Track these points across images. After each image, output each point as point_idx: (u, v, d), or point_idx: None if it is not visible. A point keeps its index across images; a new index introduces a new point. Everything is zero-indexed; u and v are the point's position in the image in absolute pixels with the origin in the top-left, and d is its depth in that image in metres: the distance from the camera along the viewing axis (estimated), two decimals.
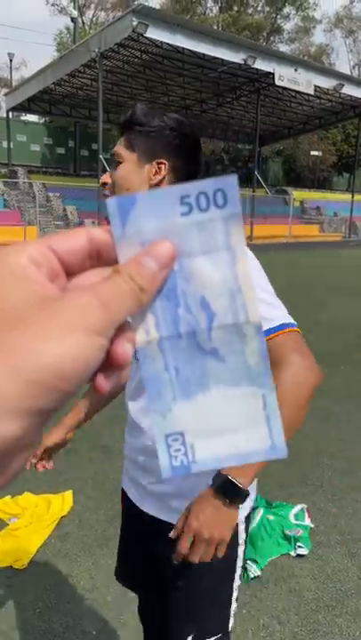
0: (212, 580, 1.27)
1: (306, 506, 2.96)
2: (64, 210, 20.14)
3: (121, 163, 1.23)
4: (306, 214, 30.71)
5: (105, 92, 18.96)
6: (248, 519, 1.33)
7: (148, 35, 16.29)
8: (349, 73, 49.86)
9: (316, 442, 3.81)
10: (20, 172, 21.74)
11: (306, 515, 2.90)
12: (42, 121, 30.29)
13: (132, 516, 1.41)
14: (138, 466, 1.36)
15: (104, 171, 18.55)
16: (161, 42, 17.42)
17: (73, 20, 27.37)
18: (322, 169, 38.97)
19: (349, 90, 22.98)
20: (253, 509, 2.90)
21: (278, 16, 43.49)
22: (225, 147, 35.85)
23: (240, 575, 1.34)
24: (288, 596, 2.33)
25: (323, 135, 37.46)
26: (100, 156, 18.72)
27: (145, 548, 1.38)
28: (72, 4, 31.37)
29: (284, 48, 45.47)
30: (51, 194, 20.46)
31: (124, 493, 1.48)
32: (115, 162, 1.24)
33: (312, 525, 2.82)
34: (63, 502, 2.96)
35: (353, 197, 29.13)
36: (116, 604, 2.23)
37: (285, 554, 2.62)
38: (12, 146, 26.17)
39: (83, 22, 33.42)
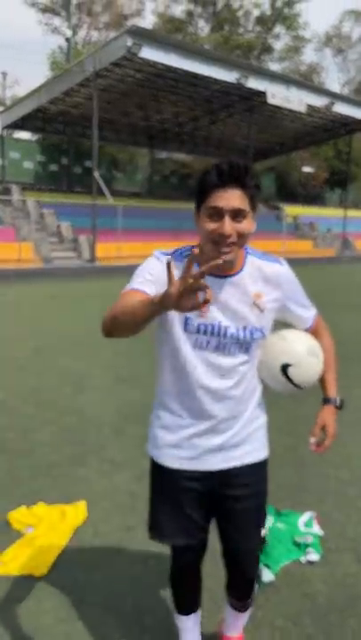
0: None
1: (315, 514, 3.04)
2: (58, 226, 20.24)
3: (244, 217, 1.47)
4: (299, 230, 31.01)
5: (99, 109, 19.19)
6: None
7: (142, 55, 16.56)
8: (339, 91, 50.72)
9: (322, 454, 3.90)
10: (14, 189, 21.87)
11: (314, 522, 2.98)
12: (35, 138, 30.55)
13: (205, 481, 1.72)
14: (225, 433, 1.69)
15: (99, 188, 18.80)
16: (155, 61, 17.69)
17: (67, 39, 27.79)
18: (314, 185, 39.44)
19: (340, 108, 23.41)
20: None
21: (269, 35, 44.26)
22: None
23: None
24: (301, 600, 2.41)
25: (315, 152, 37.98)
26: (95, 174, 18.90)
27: (233, 487, 1.74)
28: (65, 24, 31.87)
29: (275, 67, 46.22)
30: (45, 210, 20.56)
31: (170, 473, 1.72)
32: (237, 213, 1.46)
33: (321, 533, 2.90)
34: (77, 512, 3.02)
35: (346, 213, 29.50)
36: (136, 609, 2.30)
37: (296, 560, 2.69)
38: (5, 163, 26.36)
39: (76, 42, 33.92)
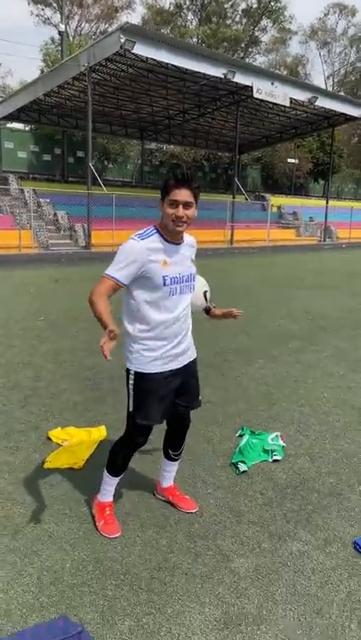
0: None
1: (280, 433, 4.03)
2: (55, 215, 21.03)
3: (191, 206, 2.43)
4: (283, 219, 32.01)
5: (92, 102, 19.92)
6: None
7: (134, 51, 17.31)
8: (324, 83, 51.50)
9: (290, 394, 4.91)
10: (12, 179, 22.59)
11: (280, 439, 3.97)
12: (27, 128, 31.12)
13: (177, 375, 2.71)
14: (179, 347, 2.68)
15: (93, 177, 19.60)
16: (146, 57, 18.47)
17: (60, 33, 28.36)
18: (298, 176, 40.39)
19: (323, 102, 24.30)
20: (240, 437, 3.93)
21: (256, 28, 44.92)
22: (206, 154, 37.05)
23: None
24: (267, 482, 3.39)
25: (299, 143, 38.89)
26: (90, 165, 19.68)
27: (187, 375, 2.78)
28: (57, 15, 32.30)
29: (261, 59, 46.98)
30: (41, 199, 21.32)
31: (154, 376, 2.62)
32: (187, 204, 2.40)
33: (284, 444, 3.89)
34: (99, 432, 3.98)
35: (327, 203, 30.53)
36: (145, 488, 3.27)
37: (265, 460, 3.68)
38: (1, 153, 27.01)
39: (67, 33, 34.39)
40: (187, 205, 2.40)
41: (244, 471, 3.49)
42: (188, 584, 2.42)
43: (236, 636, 2.13)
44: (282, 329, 7.66)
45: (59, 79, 20.40)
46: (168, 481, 3.12)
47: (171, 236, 2.51)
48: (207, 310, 3.00)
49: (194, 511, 3.00)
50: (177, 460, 3.08)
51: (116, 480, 2.90)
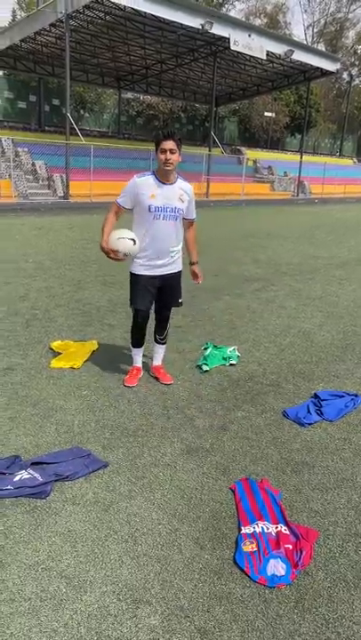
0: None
1: (237, 347, 5.04)
2: (33, 164, 21.28)
3: (175, 152, 3.50)
4: (258, 173, 32.56)
5: (69, 50, 19.93)
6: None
7: None
8: (303, 33, 50.81)
9: (248, 322, 5.91)
10: None
11: (236, 350, 4.98)
12: (1, 74, 30.52)
13: (156, 279, 3.78)
14: (166, 259, 3.73)
15: (71, 128, 19.85)
16: (124, 5, 18.53)
17: None
18: (275, 129, 40.61)
19: (299, 56, 24.61)
20: (205, 349, 4.93)
21: None
22: (183, 106, 36.92)
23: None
24: (224, 377, 4.40)
25: (277, 96, 38.94)
26: (68, 114, 19.90)
27: (167, 282, 3.89)
28: None
29: (240, 5, 45.92)
30: (19, 149, 21.49)
31: (139, 276, 3.79)
32: (171, 150, 3.46)
33: (239, 354, 4.90)
34: (92, 345, 4.93)
35: (301, 158, 31.13)
36: (123, 366, 4.25)
37: (224, 364, 4.69)
38: None
39: None
40: (172, 151, 3.47)
41: (206, 370, 4.50)
42: (163, 432, 3.44)
43: (194, 457, 3.16)
44: (248, 273, 8.63)
45: (36, 25, 20.29)
46: (156, 361, 4.31)
47: (162, 177, 3.60)
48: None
49: (169, 383, 4.15)
50: (162, 343, 4.25)
51: (135, 351, 4.21)
